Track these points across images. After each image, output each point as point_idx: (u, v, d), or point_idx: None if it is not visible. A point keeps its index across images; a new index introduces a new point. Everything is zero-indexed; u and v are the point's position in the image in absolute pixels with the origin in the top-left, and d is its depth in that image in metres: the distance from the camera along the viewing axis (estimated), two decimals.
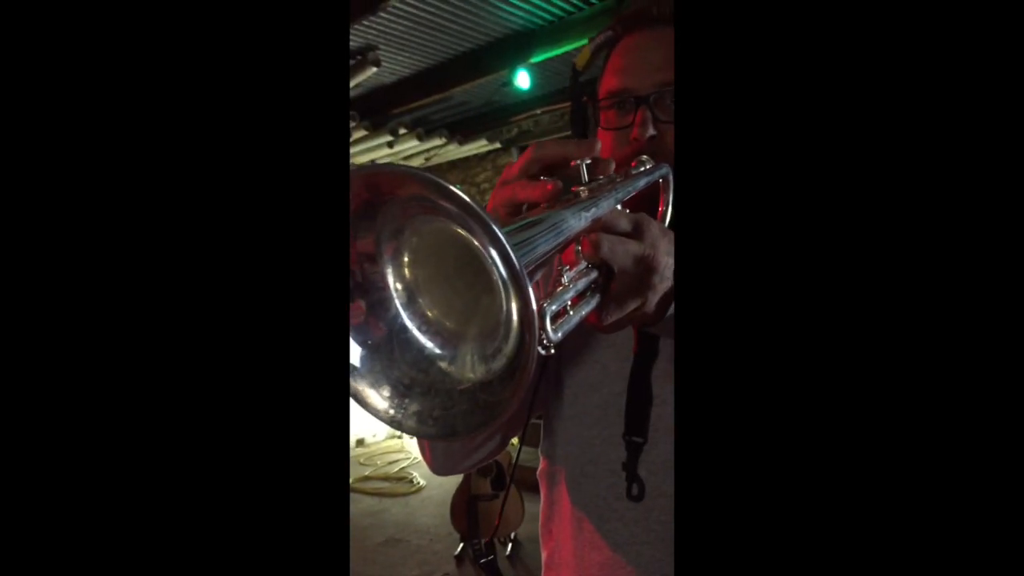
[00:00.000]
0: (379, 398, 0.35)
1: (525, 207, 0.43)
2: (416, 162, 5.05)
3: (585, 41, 3.22)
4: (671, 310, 0.46)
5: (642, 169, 0.58)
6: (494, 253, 0.29)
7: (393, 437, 5.58)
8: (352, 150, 4.40)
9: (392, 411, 0.35)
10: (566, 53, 3.35)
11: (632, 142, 0.62)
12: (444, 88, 3.77)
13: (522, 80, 3.50)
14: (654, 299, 0.44)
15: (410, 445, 5.32)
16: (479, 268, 0.33)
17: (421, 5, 2.94)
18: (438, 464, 0.70)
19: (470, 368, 0.35)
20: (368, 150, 4.49)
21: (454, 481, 3.22)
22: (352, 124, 3.98)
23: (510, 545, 3.24)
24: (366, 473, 4.68)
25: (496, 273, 0.31)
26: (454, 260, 0.36)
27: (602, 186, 0.46)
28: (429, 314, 0.37)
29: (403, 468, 4.70)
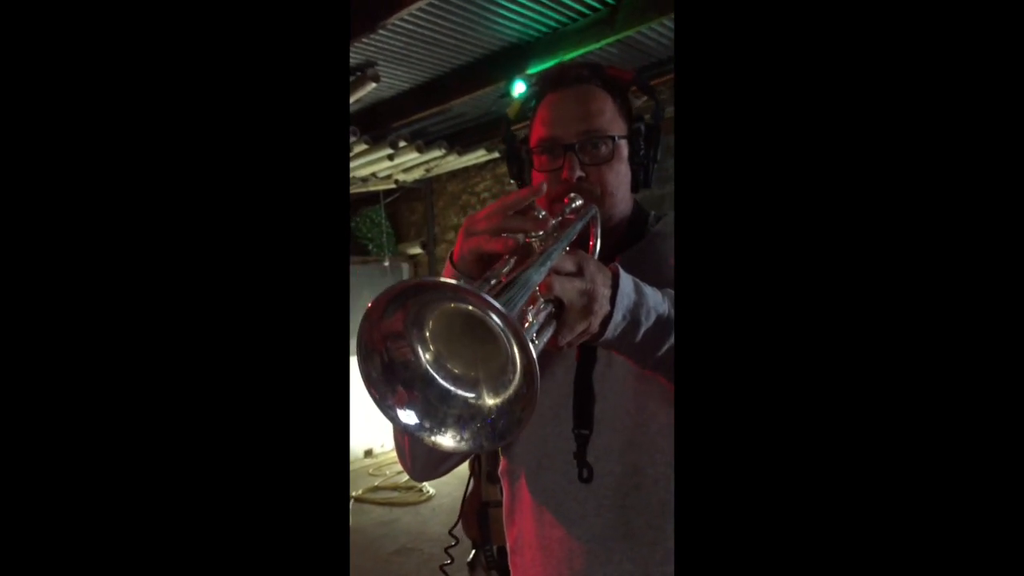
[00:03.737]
0: (442, 437, 0.48)
1: (486, 257, 0.55)
2: (416, 173, 5.09)
3: (581, 51, 3.27)
4: (609, 329, 0.57)
5: (574, 206, 0.72)
6: (497, 320, 0.42)
7: None
8: (353, 164, 4.44)
9: (454, 441, 0.47)
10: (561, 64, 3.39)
11: (563, 182, 0.76)
12: (442, 101, 3.82)
13: (519, 91, 3.55)
14: (596, 321, 0.56)
15: None
16: (481, 330, 0.46)
17: (418, 22, 2.99)
18: (417, 472, 0.82)
19: (489, 398, 0.48)
20: (369, 163, 4.54)
21: (460, 490, 3.25)
22: (353, 138, 4.02)
23: None
24: (375, 483, 4.70)
25: (499, 329, 0.43)
26: (459, 328, 0.48)
27: (549, 236, 0.58)
28: (456, 372, 0.49)
29: None
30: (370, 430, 5.31)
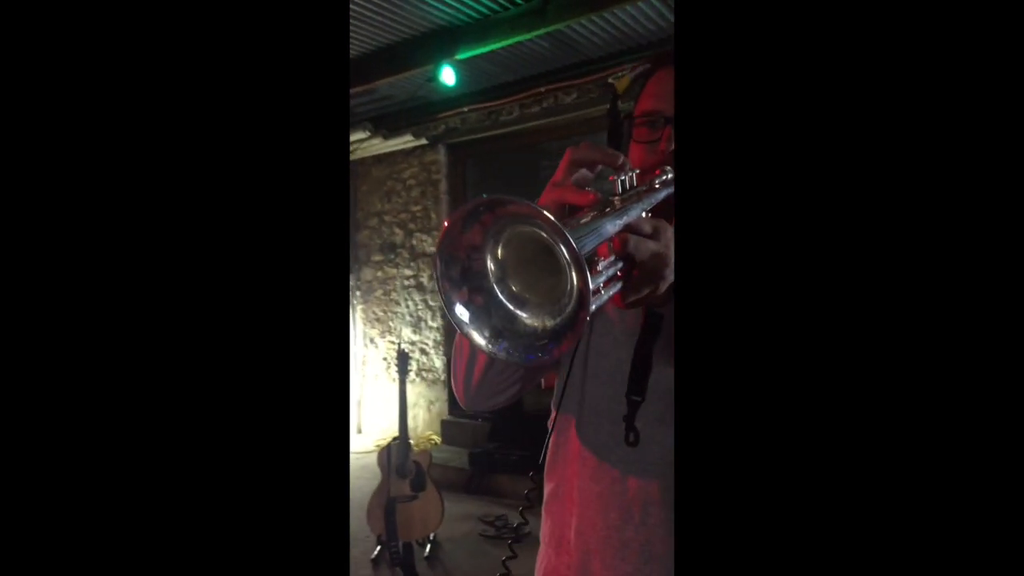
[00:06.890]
0: (481, 339, 0.53)
1: (568, 208, 0.57)
2: None
3: (511, 40, 3.23)
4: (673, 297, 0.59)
5: (665, 178, 0.72)
6: (563, 248, 0.45)
7: None
8: None
9: (489, 346, 0.52)
10: (492, 52, 3.34)
11: (659, 153, 0.78)
12: (365, 80, 3.68)
13: (447, 76, 3.47)
14: (664, 286, 0.58)
15: None
16: (550, 258, 0.48)
17: None
18: (469, 397, 0.85)
19: (541, 322, 0.52)
20: None
21: (370, 484, 3.16)
22: None
23: (428, 546, 3.20)
24: None
25: (564, 260, 0.46)
26: (531, 253, 0.51)
27: (631, 197, 0.60)
28: (515, 289, 0.53)
29: None
30: None
